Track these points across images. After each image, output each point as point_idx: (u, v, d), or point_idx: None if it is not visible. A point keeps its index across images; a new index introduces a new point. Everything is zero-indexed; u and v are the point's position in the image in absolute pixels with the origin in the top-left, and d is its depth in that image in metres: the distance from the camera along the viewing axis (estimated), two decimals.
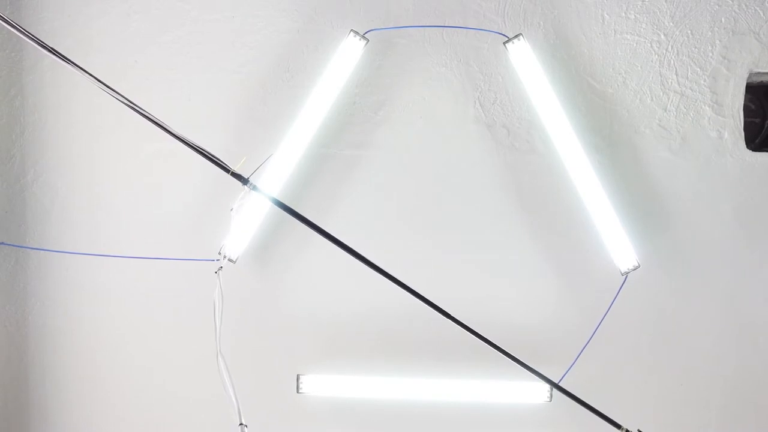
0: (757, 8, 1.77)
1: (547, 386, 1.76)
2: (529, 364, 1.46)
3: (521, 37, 1.68)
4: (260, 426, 1.60)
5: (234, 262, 1.77)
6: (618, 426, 1.56)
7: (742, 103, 1.82)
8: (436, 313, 1.57)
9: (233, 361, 1.51)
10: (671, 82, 1.81)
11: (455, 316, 1.61)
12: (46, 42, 1.29)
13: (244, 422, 1.42)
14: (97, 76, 1.32)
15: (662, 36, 1.79)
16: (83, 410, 1.98)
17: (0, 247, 1.89)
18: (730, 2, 1.78)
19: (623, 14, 1.79)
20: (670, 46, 1.80)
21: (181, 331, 1.92)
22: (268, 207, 1.72)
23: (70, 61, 1.30)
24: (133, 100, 1.34)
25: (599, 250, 1.77)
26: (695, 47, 1.80)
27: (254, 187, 1.50)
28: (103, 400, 1.97)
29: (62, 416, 1.98)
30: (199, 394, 1.95)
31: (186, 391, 1.96)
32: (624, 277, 1.77)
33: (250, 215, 1.74)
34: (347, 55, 1.71)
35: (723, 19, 1.78)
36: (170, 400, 1.97)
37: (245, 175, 1.49)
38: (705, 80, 1.81)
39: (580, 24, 1.80)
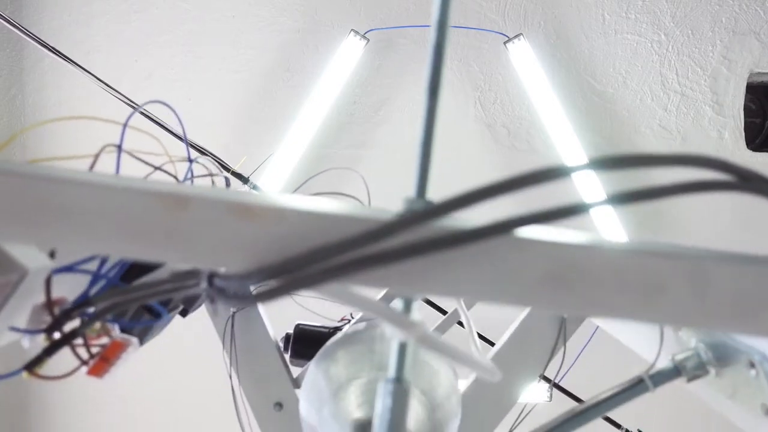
0: (758, 8, 1.77)
1: (547, 386, 1.76)
2: None
3: (521, 37, 1.68)
4: (261, 424, 1.60)
5: None
6: (618, 426, 1.56)
7: (743, 103, 1.82)
8: (436, 312, 1.57)
9: None
10: (672, 82, 1.81)
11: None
12: (46, 41, 1.29)
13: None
14: (97, 76, 1.32)
15: (663, 36, 1.79)
16: (84, 410, 1.98)
17: None
18: (731, 2, 1.78)
19: (624, 14, 1.79)
20: (670, 46, 1.80)
21: (181, 330, 1.92)
22: None
23: (70, 60, 1.31)
24: (133, 100, 1.34)
25: None
26: (696, 47, 1.80)
27: (254, 187, 1.50)
28: (103, 400, 1.98)
29: (63, 416, 1.98)
30: (200, 393, 1.95)
31: (187, 390, 1.96)
32: None
33: None
34: (347, 55, 1.71)
35: (724, 19, 1.78)
36: (171, 399, 1.97)
37: (245, 175, 1.49)
38: (705, 80, 1.81)
39: (581, 24, 1.80)
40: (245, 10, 1.83)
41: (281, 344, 0.93)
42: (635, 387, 0.54)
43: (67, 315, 0.39)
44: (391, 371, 0.33)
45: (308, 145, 1.74)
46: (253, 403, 0.88)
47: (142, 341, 0.57)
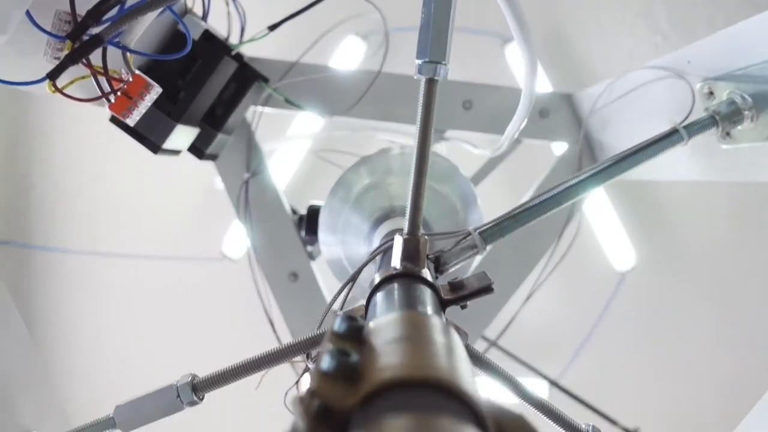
0: (753, 10, 1.79)
1: (546, 384, 1.77)
2: (527, 362, 1.47)
3: None
4: (266, 417, 1.62)
5: (235, 261, 1.78)
6: (616, 424, 1.57)
7: None
8: None
9: (239, 359, 1.51)
10: None
11: None
12: None
13: None
14: None
15: (659, 38, 1.81)
16: (87, 409, 2.00)
17: (5, 247, 1.90)
18: (727, 4, 1.79)
19: (621, 17, 1.81)
20: (669, 47, 1.81)
21: (184, 330, 1.94)
22: None
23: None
24: None
25: (598, 249, 1.78)
26: None
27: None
28: (107, 399, 1.99)
29: (66, 416, 2.00)
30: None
31: None
32: (622, 276, 1.79)
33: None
34: (347, 55, 1.72)
35: (719, 21, 1.80)
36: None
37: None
38: None
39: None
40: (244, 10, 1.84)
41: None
42: (669, 137, 0.51)
43: (91, 16, 0.34)
44: None
45: (306, 150, 1.76)
46: (268, 273, 0.88)
47: (160, 144, 0.52)
